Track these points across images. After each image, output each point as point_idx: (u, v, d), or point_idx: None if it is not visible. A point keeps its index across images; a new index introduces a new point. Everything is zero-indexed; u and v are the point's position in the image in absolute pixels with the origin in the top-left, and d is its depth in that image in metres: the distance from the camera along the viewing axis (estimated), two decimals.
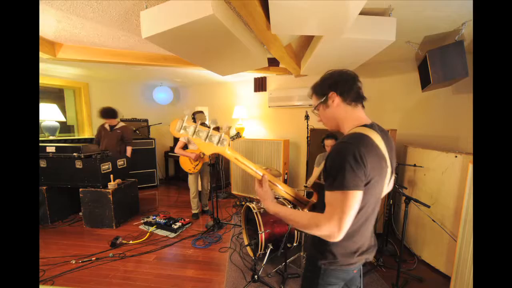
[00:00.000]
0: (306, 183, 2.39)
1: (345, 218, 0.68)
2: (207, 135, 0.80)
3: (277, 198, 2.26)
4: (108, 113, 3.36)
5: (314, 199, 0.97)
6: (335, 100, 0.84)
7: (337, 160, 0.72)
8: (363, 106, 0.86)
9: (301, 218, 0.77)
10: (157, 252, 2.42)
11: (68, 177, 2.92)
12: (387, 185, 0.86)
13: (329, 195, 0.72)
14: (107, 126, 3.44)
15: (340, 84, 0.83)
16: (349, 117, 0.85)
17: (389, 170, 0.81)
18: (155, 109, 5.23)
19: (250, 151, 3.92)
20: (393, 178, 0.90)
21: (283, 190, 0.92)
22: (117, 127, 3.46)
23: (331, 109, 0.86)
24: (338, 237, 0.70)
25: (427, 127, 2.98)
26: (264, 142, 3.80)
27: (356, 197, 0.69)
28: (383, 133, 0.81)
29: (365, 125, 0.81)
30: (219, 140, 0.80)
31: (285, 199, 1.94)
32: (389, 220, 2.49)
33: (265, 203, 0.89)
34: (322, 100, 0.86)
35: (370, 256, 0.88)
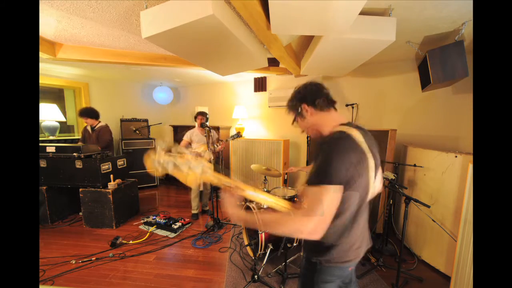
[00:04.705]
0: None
1: (326, 214, 0.69)
2: (189, 167, 0.73)
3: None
4: (86, 112, 3.23)
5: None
6: (308, 110, 0.91)
7: (321, 159, 0.74)
8: (335, 109, 0.94)
9: (276, 220, 0.75)
10: (157, 252, 2.42)
11: (68, 177, 2.92)
12: (374, 180, 0.84)
13: (309, 190, 0.73)
14: (89, 127, 3.36)
15: (308, 95, 0.92)
16: (325, 121, 0.90)
17: (372, 164, 0.80)
18: (155, 109, 5.23)
19: (250, 151, 3.92)
20: (379, 174, 0.91)
21: (273, 201, 0.84)
22: (96, 127, 3.35)
23: (307, 119, 0.93)
24: (320, 233, 0.69)
25: (427, 127, 2.98)
26: (264, 142, 3.79)
27: (337, 192, 0.70)
28: (362, 130, 0.83)
29: (342, 124, 0.85)
30: (202, 170, 0.75)
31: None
32: (389, 220, 2.49)
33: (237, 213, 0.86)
34: (297, 113, 0.94)
35: (362, 252, 0.89)
